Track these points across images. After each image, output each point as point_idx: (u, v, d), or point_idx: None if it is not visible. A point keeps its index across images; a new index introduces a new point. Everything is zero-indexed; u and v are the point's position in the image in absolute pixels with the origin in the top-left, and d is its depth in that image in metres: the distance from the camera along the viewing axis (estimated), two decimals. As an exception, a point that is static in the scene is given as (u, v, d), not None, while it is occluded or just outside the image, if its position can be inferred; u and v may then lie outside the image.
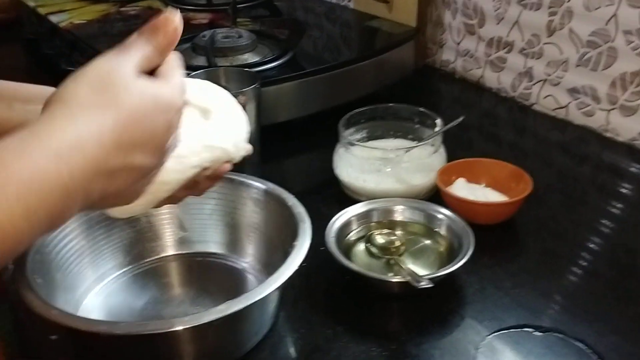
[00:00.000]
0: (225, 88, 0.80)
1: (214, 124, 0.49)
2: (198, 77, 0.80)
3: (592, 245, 0.71)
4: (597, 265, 0.69)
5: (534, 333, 0.58)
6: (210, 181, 0.51)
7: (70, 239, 0.61)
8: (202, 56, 0.95)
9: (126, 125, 0.39)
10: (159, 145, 0.42)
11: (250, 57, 0.96)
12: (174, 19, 0.43)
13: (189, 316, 0.50)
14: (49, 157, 0.35)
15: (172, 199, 0.49)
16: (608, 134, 0.93)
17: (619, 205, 0.79)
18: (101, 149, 0.37)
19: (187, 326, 0.49)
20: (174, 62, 0.44)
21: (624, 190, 0.82)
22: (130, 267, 0.66)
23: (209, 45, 0.95)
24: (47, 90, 0.52)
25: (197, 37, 0.98)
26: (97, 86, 0.39)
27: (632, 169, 0.87)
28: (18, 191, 0.34)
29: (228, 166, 0.51)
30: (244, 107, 0.76)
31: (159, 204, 0.48)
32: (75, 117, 0.37)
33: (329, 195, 0.83)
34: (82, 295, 0.62)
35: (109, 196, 0.40)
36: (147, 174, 0.42)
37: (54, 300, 0.55)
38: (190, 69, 0.87)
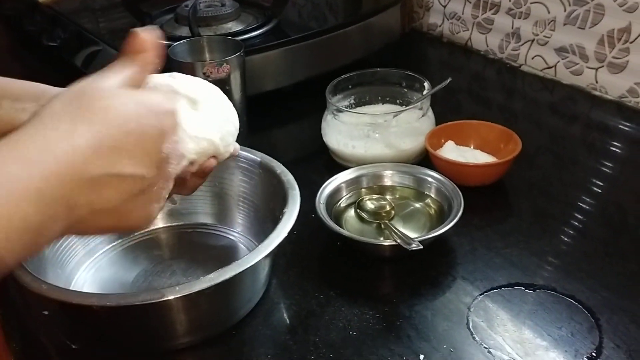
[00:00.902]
0: (209, 57, 0.80)
1: (202, 114, 0.48)
2: (181, 47, 0.78)
3: (582, 204, 0.72)
4: (588, 224, 0.69)
5: (525, 291, 0.59)
6: (197, 178, 0.49)
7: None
8: (185, 26, 0.93)
9: (106, 131, 0.36)
10: (151, 152, 0.38)
11: (233, 26, 0.95)
12: (152, 40, 0.41)
13: (180, 285, 0.49)
14: (17, 161, 0.33)
15: None
16: (597, 93, 0.93)
17: (609, 164, 0.79)
18: (75, 154, 0.35)
19: (179, 295, 0.49)
20: (160, 76, 0.43)
21: (613, 149, 0.82)
22: (119, 240, 0.66)
23: (192, 14, 0.93)
24: (39, 87, 0.50)
25: (180, 7, 0.96)
26: (72, 98, 0.37)
27: (621, 127, 0.86)
28: None
29: (214, 162, 0.49)
30: (228, 76, 0.75)
31: None
32: (45, 124, 0.35)
33: (318, 163, 0.82)
34: (72, 270, 0.62)
35: (102, 212, 0.37)
36: (145, 186, 0.38)
37: (45, 276, 0.55)
38: (173, 39, 0.85)
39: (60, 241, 0.60)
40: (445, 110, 0.84)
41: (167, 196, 0.42)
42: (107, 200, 0.37)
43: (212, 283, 0.50)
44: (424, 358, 0.52)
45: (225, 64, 0.74)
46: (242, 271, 0.51)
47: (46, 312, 0.59)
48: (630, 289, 0.58)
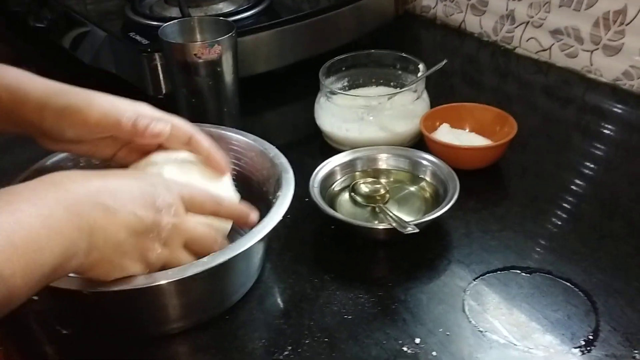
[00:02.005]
0: (200, 38, 0.79)
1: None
2: (171, 28, 0.77)
3: (576, 187, 0.71)
4: (582, 207, 0.69)
5: (521, 274, 0.58)
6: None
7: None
8: (175, 7, 0.92)
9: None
10: (151, 204, 0.46)
11: (225, 6, 0.93)
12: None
13: (173, 270, 0.49)
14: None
15: None
16: (591, 75, 0.92)
17: (603, 147, 0.78)
18: (89, 179, 0.44)
19: (171, 280, 0.48)
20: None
21: (607, 132, 0.82)
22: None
23: (182, -5, 0.91)
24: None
25: (169, -13, 0.95)
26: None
27: (616, 110, 0.86)
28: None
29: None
30: (220, 57, 0.74)
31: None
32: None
33: (311, 146, 0.81)
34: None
35: (111, 242, 0.44)
36: (143, 231, 0.45)
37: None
38: (163, 20, 0.84)
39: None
40: (439, 93, 0.83)
41: (156, 259, 0.48)
42: (117, 231, 0.44)
43: (205, 267, 0.49)
44: (419, 342, 0.52)
45: (216, 45, 0.73)
46: (236, 255, 0.50)
47: (36, 297, 0.57)
48: (625, 271, 0.58)
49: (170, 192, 0.48)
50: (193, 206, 0.50)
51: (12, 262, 0.35)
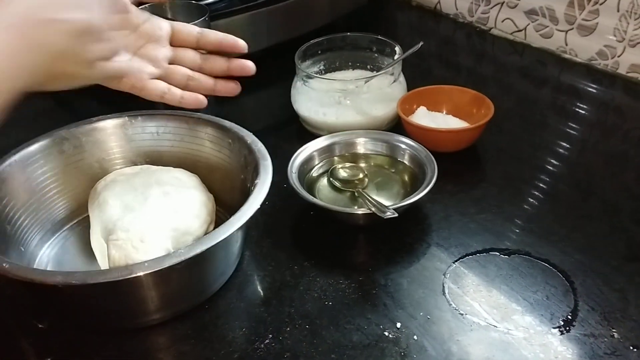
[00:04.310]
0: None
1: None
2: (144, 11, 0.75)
3: (552, 168, 0.72)
4: (559, 187, 0.69)
5: (500, 256, 0.59)
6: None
7: (14, 187, 0.58)
8: (145, -9, 0.89)
9: None
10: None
11: (197, -10, 0.91)
12: None
13: (150, 261, 0.48)
14: None
15: None
16: (566, 55, 0.93)
17: (578, 127, 0.79)
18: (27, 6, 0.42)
19: (149, 271, 0.47)
20: None
21: (582, 112, 0.82)
22: (84, 216, 0.63)
23: (153, -22, 0.89)
24: None
25: (139, -30, 0.92)
26: None
27: (591, 90, 0.87)
28: None
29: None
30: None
31: None
32: None
33: (288, 131, 0.81)
34: (35, 248, 0.59)
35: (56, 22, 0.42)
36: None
37: (7, 255, 0.52)
38: (134, 4, 0.82)
39: (21, 220, 0.58)
40: (416, 76, 0.83)
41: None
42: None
43: (183, 258, 0.48)
44: (400, 326, 0.52)
45: (189, 30, 0.71)
46: (214, 245, 0.50)
47: (10, 292, 0.56)
48: (601, 250, 0.59)
49: None
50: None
51: None
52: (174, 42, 0.56)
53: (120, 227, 0.54)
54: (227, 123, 0.64)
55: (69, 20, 0.43)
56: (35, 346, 0.53)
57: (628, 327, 0.51)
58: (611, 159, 0.73)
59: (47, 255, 0.60)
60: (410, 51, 0.77)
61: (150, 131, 0.66)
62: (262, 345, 0.51)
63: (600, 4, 0.86)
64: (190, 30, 0.57)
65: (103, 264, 0.56)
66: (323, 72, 0.83)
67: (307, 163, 0.68)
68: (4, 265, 0.47)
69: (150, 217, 0.55)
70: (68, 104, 0.92)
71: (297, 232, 0.64)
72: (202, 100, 0.57)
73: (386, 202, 0.63)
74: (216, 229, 0.51)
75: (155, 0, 0.70)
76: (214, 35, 0.57)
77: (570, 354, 0.49)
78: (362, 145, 0.71)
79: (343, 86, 0.76)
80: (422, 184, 0.62)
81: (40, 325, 0.54)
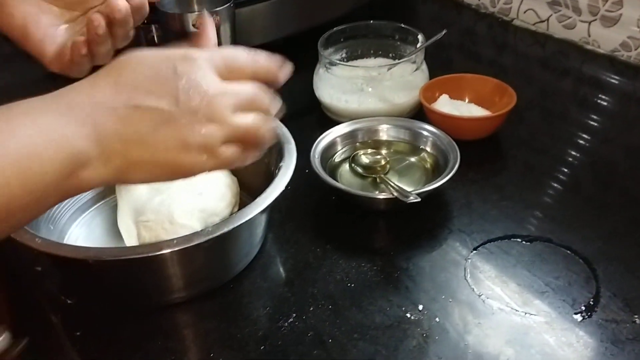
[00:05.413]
0: (197, 8, 0.78)
1: None
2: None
3: (573, 158, 0.72)
4: (580, 177, 0.69)
5: (522, 242, 0.59)
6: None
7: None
8: (170, -22, 0.90)
9: (123, 75, 0.39)
10: (170, 90, 0.39)
11: (221, -23, 0.92)
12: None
13: (177, 238, 0.49)
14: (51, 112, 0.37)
15: None
16: (589, 47, 0.92)
17: (600, 118, 0.79)
18: (93, 87, 0.39)
19: (175, 249, 0.48)
20: None
21: (604, 103, 0.82)
22: (112, 197, 0.65)
23: (178, -34, 0.90)
24: None
25: (164, -42, 0.93)
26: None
27: (613, 81, 0.86)
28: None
29: None
30: (217, 28, 0.73)
31: None
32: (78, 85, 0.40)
33: (310, 118, 0.81)
34: (64, 226, 0.60)
35: (133, 143, 0.39)
36: (167, 118, 0.39)
37: (37, 231, 0.53)
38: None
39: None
40: (437, 65, 0.83)
41: (210, 139, 0.40)
42: (134, 131, 0.39)
43: (210, 237, 0.49)
44: (422, 308, 0.52)
45: (215, 16, 0.72)
46: (239, 225, 0.51)
47: (39, 268, 0.58)
48: (623, 238, 0.59)
49: (196, 66, 0.41)
50: (232, 73, 0.43)
51: (3, 169, 0.35)
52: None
53: (150, 208, 0.55)
54: (252, 107, 0.64)
55: (144, 107, 0.39)
56: (65, 321, 0.54)
57: (650, 313, 0.51)
58: (632, 150, 0.72)
59: (75, 234, 0.61)
60: (433, 39, 0.77)
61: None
62: (286, 324, 0.52)
63: (625, -5, 0.85)
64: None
65: (130, 243, 0.58)
66: (345, 59, 0.83)
67: (330, 149, 0.69)
68: (37, 240, 0.49)
69: (178, 198, 0.56)
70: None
71: (319, 216, 0.65)
72: None
73: (408, 188, 0.63)
74: (241, 210, 0.52)
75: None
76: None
77: (591, 338, 0.49)
78: (385, 132, 0.71)
79: (365, 73, 0.76)
80: (444, 171, 0.63)
81: (69, 301, 0.55)
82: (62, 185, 0.37)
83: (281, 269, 0.58)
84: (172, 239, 0.49)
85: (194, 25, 0.72)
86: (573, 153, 0.73)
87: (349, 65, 0.79)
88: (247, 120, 0.42)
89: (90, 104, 0.38)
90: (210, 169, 0.42)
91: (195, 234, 0.49)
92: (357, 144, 0.71)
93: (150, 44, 0.82)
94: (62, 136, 0.37)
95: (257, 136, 0.43)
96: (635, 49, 0.87)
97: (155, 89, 0.39)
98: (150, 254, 0.48)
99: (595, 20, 0.90)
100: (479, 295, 0.54)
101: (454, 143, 0.66)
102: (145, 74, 0.39)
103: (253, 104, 0.43)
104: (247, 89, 0.43)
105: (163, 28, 0.76)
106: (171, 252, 0.49)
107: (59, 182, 0.37)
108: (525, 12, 1.00)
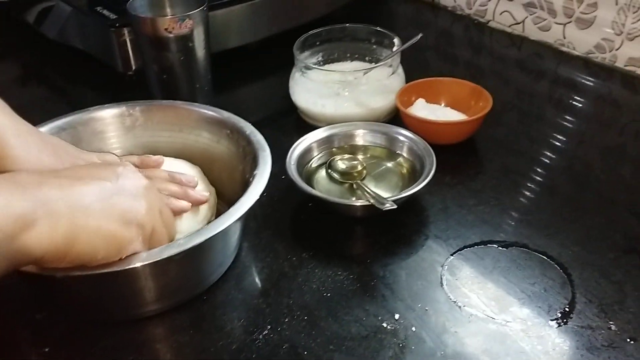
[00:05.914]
0: (170, 12, 0.76)
1: None
2: (140, 2, 0.74)
3: (550, 161, 0.72)
4: (556, 180, 0.69)
5: (498, 248, 0.59)
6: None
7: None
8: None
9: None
10: (110, 171, 0.48)
11: (195, -20, 0.90)
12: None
13: (148, 252, 0.48)
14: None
15: None
16: (564, 49, 0.93)
17: (575, 120, 0.79)
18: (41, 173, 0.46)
19: (146, 262, 0.47)
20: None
21: (580, 105, 0.82)
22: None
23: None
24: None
25: (136, -40, 0.91)
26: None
27: (588, 83, 0.87)
28: None
29: None
30: (191, 32, 0.72)
31: None
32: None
33: (286, 123, 0.80)
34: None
35: (77, 207, 0.43)
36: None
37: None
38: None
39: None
40: (414, 69, 0.82)
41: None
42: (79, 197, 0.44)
43: (182, 249, 0.48)
44: (399, 317, 0.52)
45: (187, 20, 0.71)
46: (213, 235, 0.50)
47: (5, 282, 0.56)
48: (598, 243, 0.59)
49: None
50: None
51: None
52: None
53: None
54: (226, 113, 0.64)
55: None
56: (33, 337, 0.53)
57: (625, 319, 0.51)
58: (608, 152, 0.73)
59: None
60: (409, 43, 0.77)
61: (149, 121, 0.65)
62: (261, 336, 0.51)
63: (599, -3, 0.86)
64: None
65: None
66: (321, 63, 0.82)
67: (306, 154, 0.68)
68: (2, 255, 0.47)
69: None
70: (64, 93, 0.92)
71: (295, 223, 0.64)
72: None
73: (384, 194, 0.63)
74: (214, 220, 0.51)
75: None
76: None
77: (567, 345, 0.49)
78: (361, 137, 0.71)
79: (342, 77, 0.76)
80: (420, 176, 0.63)
81: (37, 316, 0.54)
82: (8, 248, 0.38)
83: (256, 279, 0.57)
84: (142, 253, 0.47)
85: (166, 30, 0.71)
86: (549, 154, 0.73)
87: (325, 70, 0.79)
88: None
89: (37, 179, 0.42)
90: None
91: (167, 247, 0.48)
92: (334, 149, 0.70)
93: (122, 48, 0.80)
94: (7, 199, 0.39)
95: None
96: (610, 51, 0.87)
97: (96, 172, 0.47)
98: (120, 268, 0.47)
99: (570, 22, 0.90)
100: (455, 303, 0.53)
101: (430, 148, 0.65)
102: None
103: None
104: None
105: (135, 32, 0.75)
106: (142, 265, 0.48)
107: (3, 244, 0.38)
108: (501, 14, 1.00)
